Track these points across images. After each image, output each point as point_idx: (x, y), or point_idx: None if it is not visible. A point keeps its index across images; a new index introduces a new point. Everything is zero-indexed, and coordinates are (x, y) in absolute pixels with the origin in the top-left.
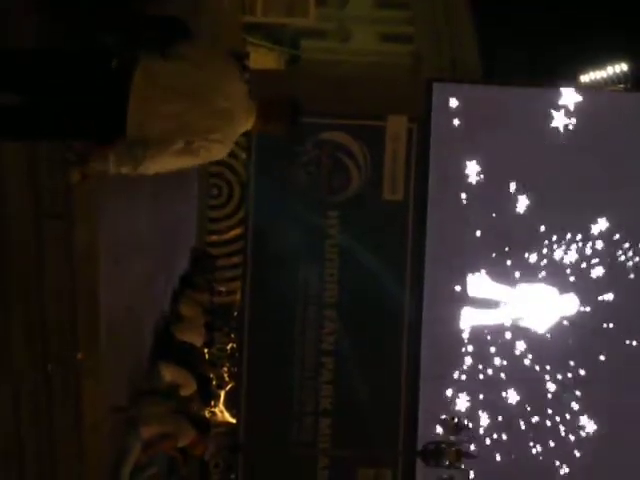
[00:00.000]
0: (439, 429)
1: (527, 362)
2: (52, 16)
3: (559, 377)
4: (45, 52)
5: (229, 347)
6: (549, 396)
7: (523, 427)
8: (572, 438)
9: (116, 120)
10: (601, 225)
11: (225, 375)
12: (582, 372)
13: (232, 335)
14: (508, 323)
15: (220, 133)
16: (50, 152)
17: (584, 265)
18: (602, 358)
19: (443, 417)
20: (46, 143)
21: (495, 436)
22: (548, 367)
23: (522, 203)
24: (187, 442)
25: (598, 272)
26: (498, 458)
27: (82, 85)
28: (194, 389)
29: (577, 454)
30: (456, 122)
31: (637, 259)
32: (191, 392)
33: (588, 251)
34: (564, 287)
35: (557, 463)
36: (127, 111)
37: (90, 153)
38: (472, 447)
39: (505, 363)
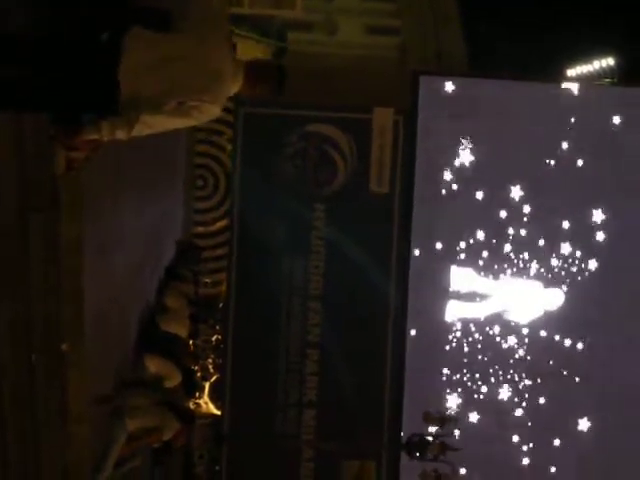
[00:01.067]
0: (423, 422)
1: (513, 355)
2: (51, 14)
3: (545, 370)
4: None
5: (214, 339)
6: (536, 389)
7: (509, 420)
8: (560, 432)
9: (108, 87)
10: (593, 218)
11: (210, 367)
12: (566, 366)
13: (217, 327)
14: (494, 316)
15: (211, 94)
16: (36, 143)
17: (570, 259)
18: (586, 350)
19: (428, 410)
20: (32, 133)
21: (480, 429)
22: (533, 360)
23: (508, 196)
24: (172, 434)
25: (585, 266)
26: (483, 451)
27: (74, 56)
28: (179, 380)
29: (565, 448)
30: (442, 114)
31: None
32: (176, 384)
33: (576, 245)
34: (549, 280)
35: (544, 457)
36: (118, 77)
37: (75, 133)
38: (456, 439)
39: (491, 356)
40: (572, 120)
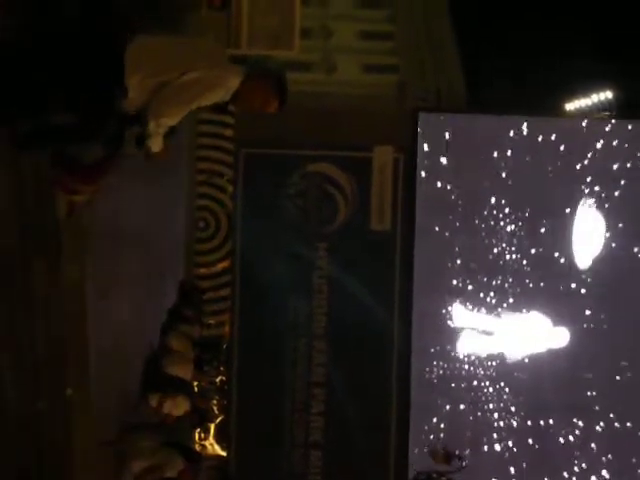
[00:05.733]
0: (430, 459)
1: (520, 390)
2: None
3: (550, 408)
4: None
5: (218, 380)
6: (541, 426)
7: (513, 456)
8: (565, 468)
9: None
10: (592, 254)
11: (215, 408)
12: (573, 401)
13: (221, 368)
14: (499, 351)
15: (208, 63)
16: (37, 187)
17: (574, 293)
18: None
19: (433, 447)
20: (32, 177)
21: (487, 465)
22: (542, 395)
23: (509, 232)
24: (176, 473)
25: (588, 300)
26: None
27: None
28: (187, 409)
29: None
30: (442, 151)
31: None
32: (185, 410)
33: (579, 279)
34: (553, 316)
35: None
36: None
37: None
38: (463, 476)
39: (497, 391)
40: (572, 154)
